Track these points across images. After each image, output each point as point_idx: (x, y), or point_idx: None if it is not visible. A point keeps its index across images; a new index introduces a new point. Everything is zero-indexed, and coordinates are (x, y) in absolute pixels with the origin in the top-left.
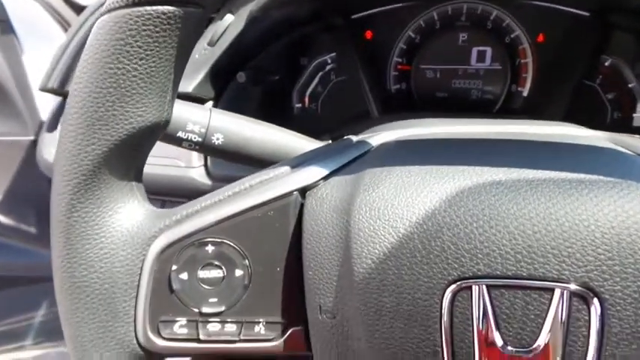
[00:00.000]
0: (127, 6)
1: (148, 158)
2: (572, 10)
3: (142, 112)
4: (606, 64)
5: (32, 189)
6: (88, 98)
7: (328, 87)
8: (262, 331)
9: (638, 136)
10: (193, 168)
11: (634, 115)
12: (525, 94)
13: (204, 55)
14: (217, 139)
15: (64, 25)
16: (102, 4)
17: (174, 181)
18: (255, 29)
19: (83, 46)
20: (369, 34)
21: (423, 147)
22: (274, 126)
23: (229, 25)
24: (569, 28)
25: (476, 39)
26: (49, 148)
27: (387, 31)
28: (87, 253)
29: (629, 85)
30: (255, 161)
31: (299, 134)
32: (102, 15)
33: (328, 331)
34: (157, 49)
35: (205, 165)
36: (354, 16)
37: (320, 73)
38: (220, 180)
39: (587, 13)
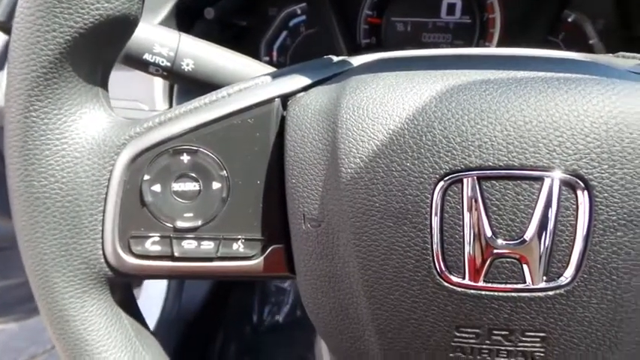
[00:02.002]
0: None
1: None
2: None
3: None
4: (569, 19)
5: None
6: None
7: (297, 39)
8: (241, 249)
9: (625, 53)
10: (155, 110)
11: None
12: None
13: None
14: (187, 64)
15: None
16: None
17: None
18: None
19: None
20: None
21: (408, 61)
22: (249, 57)
23: None
24: None
25: None
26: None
27: None
28: (47, 161)
29: (590, 42)
30: None
31: (270, 66)
32: None
33: (312, 242)
34: None
35: (170, 105)
36: None
37: (289, 25)
38: None
39: None
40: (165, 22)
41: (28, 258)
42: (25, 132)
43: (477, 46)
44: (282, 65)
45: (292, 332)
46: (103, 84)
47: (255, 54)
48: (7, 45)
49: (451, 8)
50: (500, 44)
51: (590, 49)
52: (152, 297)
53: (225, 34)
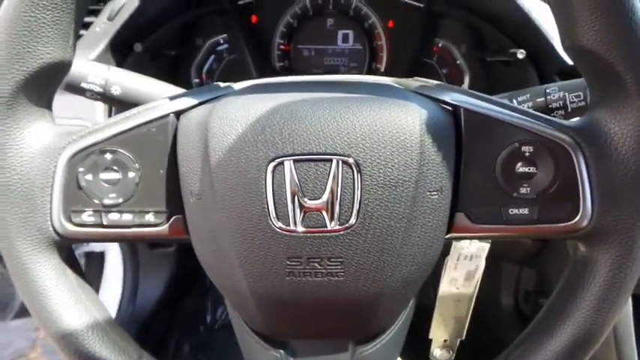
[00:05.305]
0: None
1: (59, 119)
2: (411, 2)
3: (50, 50)
4: (439, 45)
5: None
6: (8, 38)
7: (222, 64)
8: (152, 219)
9: (419, 78)
10: None
11: (462, 84)
12: (382, 69)
13: (104, 28)
14: (115, 90)
15: None
16: None
17: None
18: (149, 7)
19: None
20: (254, 19)
21: (268, 86)
22: (164, 82)
23: (126, 2)
24: (411, 16)
25: (341, 24)
26: None
27: (270, 16)
28: (10, 160)
29: (457, 62)
30: None
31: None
32: None
33: (197, 210)
34: (60, 3)
35: None
36: (240, 2)
37: (214, 53)
38: None
39: (422, 5)
40: (101, 56)
41: None
42: None
43: (369, 67)
44: None
45: None
46: (48, 106)
47: (187, 77)
48: None
49: (346, 37)
50: (387, 65)
51: (458, 68)
52: (107, 300)
53: (157, 62)
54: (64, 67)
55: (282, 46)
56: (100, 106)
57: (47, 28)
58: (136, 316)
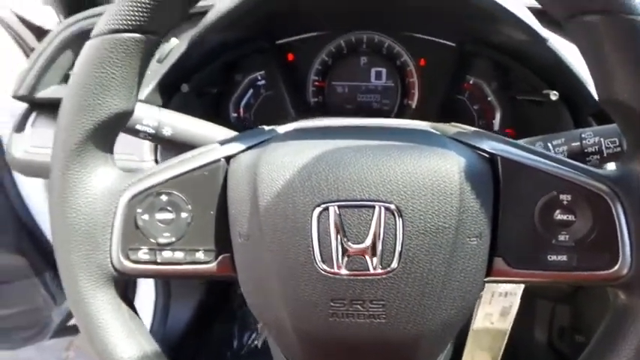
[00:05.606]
0: (109, 33)
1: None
2: (443, 41)
3: (117, 102)
4: (470, 82)
5: None
6: (81, 91)
7: (259, 99)
8: (201, 257)
9: (456, 123)
10: (145, 161)
11: (493, 121)
12: (414, 106)
13: (154, 70)
14: (167, 131)
15: (21, 43)
16: (66, 27)
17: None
18: (196, 51)
19: (52, 61)
20: (290, 57)
21: (311, 131)
22: (212, 123)
23: (174, 46)
24: (442, 54)
25: (374, 62)
26: (19, 147)
27: (306, 54)
28: (76, 201)
29: (488, 99)
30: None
31: (231, 130)
32: (91, 38)
33: (245, 249)
34: (128, 60)
35: (155, 159)
36: (278, 42)
37: (252, 88)
38: None
39: (453, 44)
40: (150, 96)
41: (61, 265)
42: (62, 183)
43: (401, 103)
44: (248, 120)
45: (269, 355)
46: (111, 150)
47: (225, 112)
48: (27, 112)
49: (379, 74)
50: (418, 102)
51: (490, 104)
52: None
53: (201, 100)
54: (127, 115)
55: (316, 83)
56: (147, 143)
57: (116, 83)
58: (166, 340)
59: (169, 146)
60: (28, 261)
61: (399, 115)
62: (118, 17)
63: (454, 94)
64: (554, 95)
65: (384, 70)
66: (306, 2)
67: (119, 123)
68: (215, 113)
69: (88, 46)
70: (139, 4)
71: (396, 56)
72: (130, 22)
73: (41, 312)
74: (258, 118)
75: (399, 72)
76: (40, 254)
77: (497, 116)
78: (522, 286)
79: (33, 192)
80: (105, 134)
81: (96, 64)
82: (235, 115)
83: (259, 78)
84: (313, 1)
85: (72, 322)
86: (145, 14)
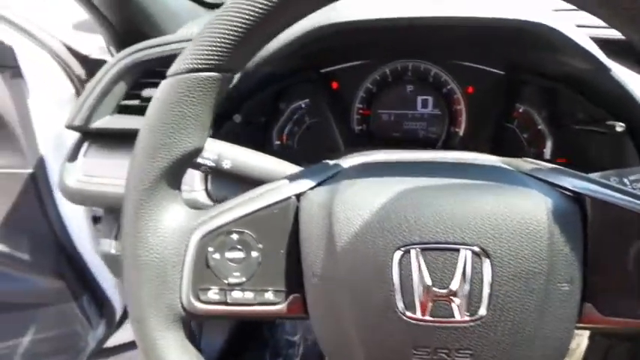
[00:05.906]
0: (187, 72)
1: None
2: (491, 69)
3: (191, 140)
4: (520, 110)
5: (28, 219)
6: (156, 130)
7: (302, 127)
8: (271, 297)
9: (527, 158)
10: (195, 191)
11: (544, 150)
12: (461, 133)
13: None
14: (226, 164)
15: (68, 72)
16: (121, 59)
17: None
18: (246, 82)
19: (106, 92)
20: (335, 85)
21: (380, 166)
22: (268, 156)
23: None
24: (491, 82)
25: (420, 90)
26: (71, 176)
27: (350, 82)
28: (148, 240)
29: (539, 127)
30: (255, 182)
31: (286, 162)
32: (168, 77)
33: (319, 291)
34: (204, 98)
35: (206, 189)
36: (322, 71)
37: (295, 116)
38: (219, 200)
39: (502, 72)
40: None
41: (131, 302)
42: (135, 221)
43: (448, 131)
44: (291, 148)
45: None
46: (179, 187)
47: (269, 139)
48: (79, 141)
49: (425, 102)
50: (466, 129)
51: (540, 133)
52: None
53: (249, 128)
54: (199, 152)
55: (361, 111)
56: (198, 173)
57: (191, 121)
58: None
59: (225, 178)
60: (66, 284)
61: (446, 143)
62: (196, 56)
63: (503, 122)
64: (620, 127)
65: (430, 98)
66: (358, 36)
67: (190, 160)
68: (260, 140)
69: (165, 85)
70: (219, 44)
71: (443, 84)
72: (208, 62)
73: (77, 336)
74: (302, 146)
75: (446, 100)
76: (78, 278)
77: (549, 145)
78: None
79: (74, 216)
80: (177, 172)
81: (173, 103)
82: (278, 142)
83: (302, 106)
84: (365, 35)
85: (107, 344)
86: (225, 54)
